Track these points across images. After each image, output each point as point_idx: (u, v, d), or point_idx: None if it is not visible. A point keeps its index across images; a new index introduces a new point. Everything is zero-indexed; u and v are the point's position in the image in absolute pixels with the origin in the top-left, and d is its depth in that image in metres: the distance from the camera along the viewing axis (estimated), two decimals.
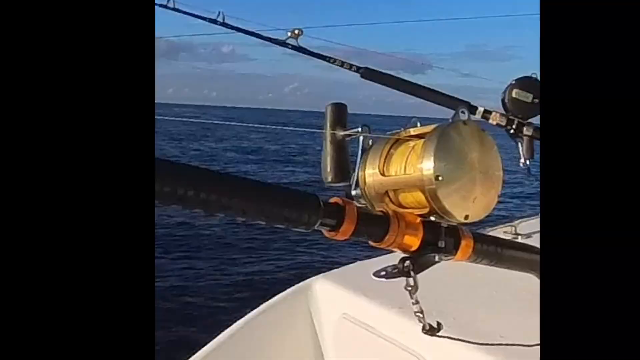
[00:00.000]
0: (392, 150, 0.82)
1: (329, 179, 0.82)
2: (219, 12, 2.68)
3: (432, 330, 0.80)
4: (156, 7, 2.65)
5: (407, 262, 0.76)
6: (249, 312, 1.61)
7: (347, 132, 0.80)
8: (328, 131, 0.80)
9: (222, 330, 1.54)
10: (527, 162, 1.75)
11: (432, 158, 0.74)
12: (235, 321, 1.58)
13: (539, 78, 1.71)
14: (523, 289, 1.30)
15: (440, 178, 0.73)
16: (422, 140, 0.78)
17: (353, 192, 0.80)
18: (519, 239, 1.89)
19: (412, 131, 0.83)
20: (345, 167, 0.82)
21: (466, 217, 0.76)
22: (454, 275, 0.83)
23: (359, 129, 0.80)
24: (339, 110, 0.82)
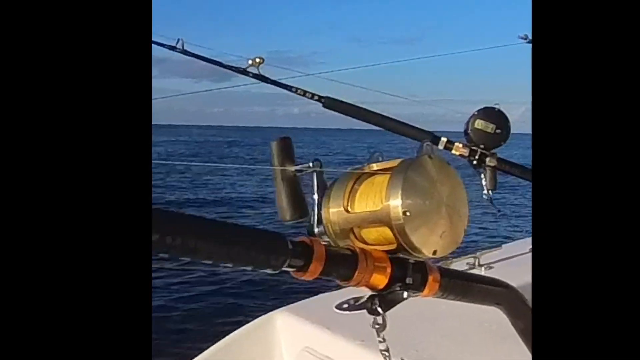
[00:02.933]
0: (355, 186, 0.82)
1: (287, 217, 0.82)
2: (179, 40, 2.66)
3: None
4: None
5: (376, 300, 0.76)
6: (209, 346, 1.59)
7: (299, 168, 0.80)
8: (278, 168, 0.80)
9: None
10: (490, 192, 1.77)
11: (399, 194, 0.74)
12: (196, 355, 1.55)
13: (501, 109, 1.75)
14: (488, 321, 1.31)
15: (407, 214, 0.73)
16: (388, 175, 0.78)
17: (316, 230, 0.79)
18: (482, 270, 1.91)
19: (376, 166, 0.83)
20: (301, 202, 0.81)
21: (434, 252, 0.77)
22: (418, 308, 0.83)
23: (310, 164, 0.80)
24: (285, 145, 0.82)
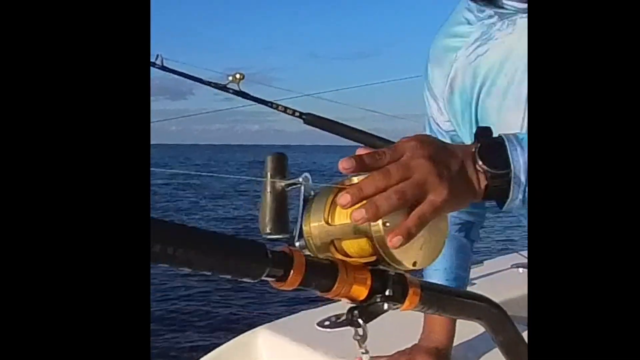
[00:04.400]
0: (336, 199, 0.82)
1: (267, 230, 0.82)
2: (157, 55, 2.65)
3: None
4: None
5: (356, 312, 0.76)
6: None
7: (288, 182, 0.80)
8: (268, 180, 0.80)
9: None
10: None
11: None
12: None
13: None
14: (470, 336, 1.32)
15: (387, 224, 0.73)
16: None
17: (297, 243, 0.79)
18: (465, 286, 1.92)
19: (356, 179, 0.83)
20: (284, 219, 0.81)
21: (414, 264, 0.77)
22: (397, 319, 0.84)
23: (300, 179, 0.80)
24: (279, 160, 0.83)
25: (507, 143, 0.80)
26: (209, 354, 1.57)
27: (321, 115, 2.20)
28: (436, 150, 0.76)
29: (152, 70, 2.54)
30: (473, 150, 0.80)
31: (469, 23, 1.22)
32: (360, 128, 2.11)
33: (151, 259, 0.56)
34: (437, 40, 1.30)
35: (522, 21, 1.10)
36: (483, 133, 0.84)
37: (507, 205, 0.81)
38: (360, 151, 0.75)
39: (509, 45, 1.13)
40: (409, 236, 0.72)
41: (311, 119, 2.18)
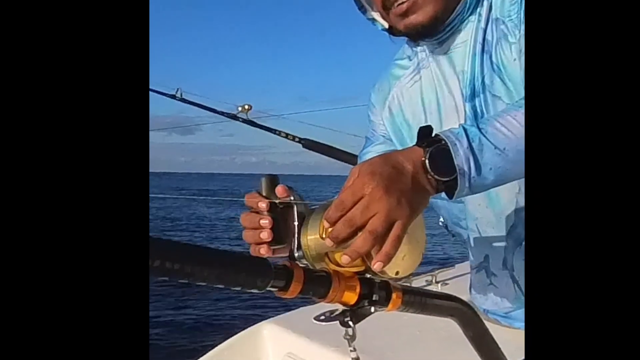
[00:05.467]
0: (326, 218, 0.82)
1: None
2: (177, 89, 2.66)
3: None
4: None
5: (347, 315, 0.76)
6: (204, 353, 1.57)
7: (282, 200, 0.80)
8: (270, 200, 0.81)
9: None
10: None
11: None
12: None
13: None
14: (442, 330, 1.31)
15: None
16: None
17: (296, 254, 0.79)
18: (438, 286, 1.92)
19: None
20: (281, 232, 0.82)
21: (397, 273, 0.77)
22: (382, 319, 0.83)
23: (292, 198, 0.80)
24: (272, 181, 0.83)
25: (450, 147, 0.78)
26: (223, 344, 1.57)
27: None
28: (382, 169, 0.74)
29: (173, 103, 2.55)
30: (422, 159, 0.77)
31: (409, 58, 1.30)
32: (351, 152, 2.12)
33: (172, 276, 0.56)
34: (384, 72, 1.38)
35: (441, 51, 1.19)
36: (424, 133, 0.82)
37: (456, 196, 0.80)
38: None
39: (434, 70, 1.21)
40: (388, 259, 0.72)
41: (309, 144, 2.19)
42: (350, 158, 2.10)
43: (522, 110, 0.81)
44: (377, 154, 1.25)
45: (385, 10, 1.13)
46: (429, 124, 1.14)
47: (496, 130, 0.80)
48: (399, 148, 1.25)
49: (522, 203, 1.16)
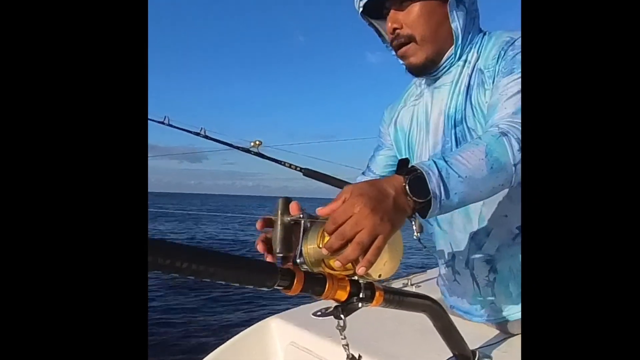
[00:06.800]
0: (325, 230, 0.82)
1: (278, 250, 0.82)
2: (202, 128, 2.68)
3: (354, 359, 0.82)
4: (154, 122, 2.63)
5: (339, 309, 0.76)
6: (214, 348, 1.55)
7: (292, 218, 0.81)
8: (279, 217, 0.81)
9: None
10: (418, 234, 1.77)
11: None
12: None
13: None
14: (418, 323, 1.31)
15: None
16: None
17: (298, 260, 0.79)
18: (413, 288, 1.91)
19: None
20: (289, 242, 0.82)
21: (379, 276, 0.77)
22: (368, 314, 0.83)
23: (301, 216, 0.81)
24: (286, 202, 0.83)
25: (425, 175, 0.78)
26: (237, 335, 1.55)
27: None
28: (369, 192, 0.73)
29: (183, 136, 2.57)
30: (403, 184, 0.77)
31: (415, 86, 1.38)
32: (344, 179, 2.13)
33: (197, 276, 0.57)
34: (399, 98, 1.45)
35: (434, 86, 1.25)
36: (403, 164, 0.89)
37: (429, 215, 0.80)
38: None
39: (427, 100, 1.28)
40: (370, 265, 0.72)
41: (308, 172, 2.20)
42: (341, 184, 2.11)
43: (480, 147, 0.83)
44: (384, 157, 1.40)
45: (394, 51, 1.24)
46: (420, 138, 1.28)
47: (459, 163, 0.81)
48: (398, 155, 1.36)
49: (485, 212, 1.20)
